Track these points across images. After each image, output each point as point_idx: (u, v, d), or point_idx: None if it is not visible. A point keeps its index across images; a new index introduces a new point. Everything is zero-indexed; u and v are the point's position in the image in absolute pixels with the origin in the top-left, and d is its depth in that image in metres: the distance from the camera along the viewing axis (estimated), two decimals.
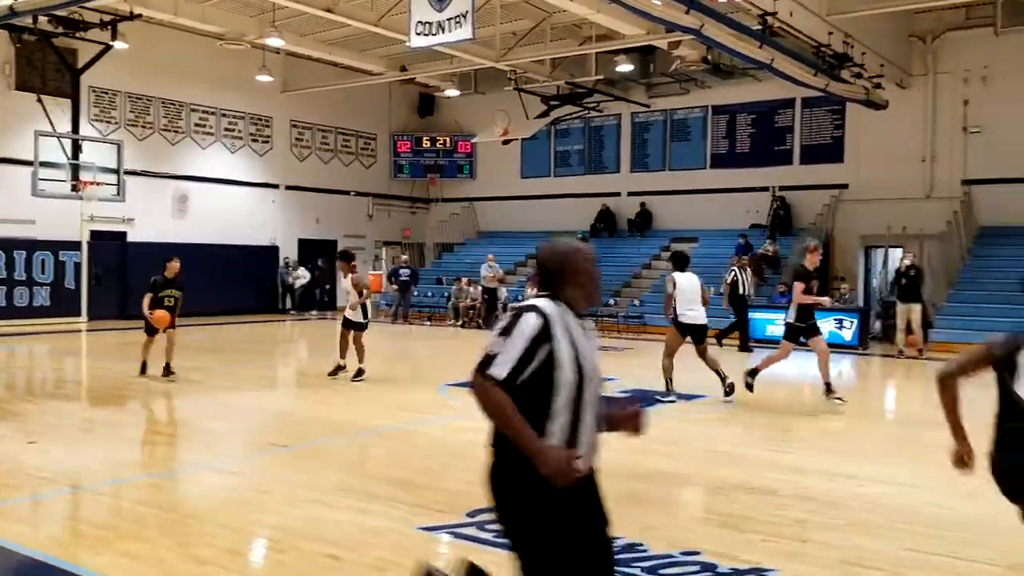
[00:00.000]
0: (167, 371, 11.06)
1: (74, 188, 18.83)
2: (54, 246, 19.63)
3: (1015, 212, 18.37)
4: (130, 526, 5.22)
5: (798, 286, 9.84)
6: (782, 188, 21.78)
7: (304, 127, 25.40)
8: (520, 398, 2.69)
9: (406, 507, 5.59)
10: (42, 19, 17.85)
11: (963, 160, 19.44)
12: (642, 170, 24.47)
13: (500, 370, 2.68)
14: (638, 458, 6.51)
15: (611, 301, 20.36)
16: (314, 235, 25.35)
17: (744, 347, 15.94)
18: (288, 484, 6.20)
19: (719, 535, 5.14)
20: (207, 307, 19.31)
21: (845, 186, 20.96)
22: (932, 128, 19.79)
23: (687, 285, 9.89)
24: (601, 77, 21.41)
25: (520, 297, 21.55)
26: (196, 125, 22.87)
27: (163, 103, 22.10)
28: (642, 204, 23.88)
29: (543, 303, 2.80)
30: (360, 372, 11.29)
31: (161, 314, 10.90)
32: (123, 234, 21.10)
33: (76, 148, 19.14)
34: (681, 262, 10.20)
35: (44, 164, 18.38)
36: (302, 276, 24.10)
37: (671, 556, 4.69)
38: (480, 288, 21.69)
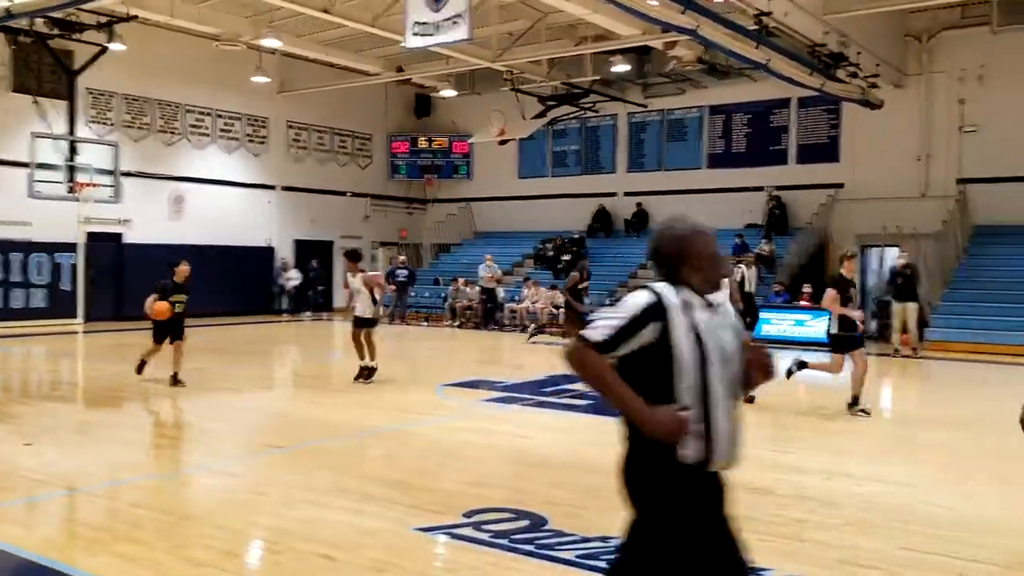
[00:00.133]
0: (175, 381, 10.58)
1: (70, 190, 18.83)
2: (50, 248, 19.57)
3: (1010, 211, 18.41)
4: (126, 528, 5.21)
5: (830, 292, 9.50)
6: (778, 188, 21.81)
7: (300, 128, 25.36)
8: (633, 378, 2.59)
9: (402, 508, 5.58)
10: (38, 21, 17.86)
11: (959, 159, 19.46)
12: (638, 170, 24.48)
13: (596, 333, 2.60)
14: None
15: (608, 301, 20.35)
16: (310, 236, 25.32)
17: None
18: (284, 485, 6.20)
19: None
20: (203, 308, 19.21)
21: (841, 185, 20.99)
22: (928, 127, 19.82)
23: None
24: (597, 77, 21.41)
25: (517, 297, 21.57)
26: (192, 126, 22.82)
27: (159, 104, 22.06)
28: (638, 204, 23.88)
29: (658, 284, 2.72)
30: (372, 371, 11.19)
31: (161, 305, 10.35)
32: (119, 235, 21.06)
33: (72, 150, 19.14)
34: None
35: (40, 166, 18.41)
36: (294, 277, 24.05)
37: None
38: (478, 288, 21.69)
